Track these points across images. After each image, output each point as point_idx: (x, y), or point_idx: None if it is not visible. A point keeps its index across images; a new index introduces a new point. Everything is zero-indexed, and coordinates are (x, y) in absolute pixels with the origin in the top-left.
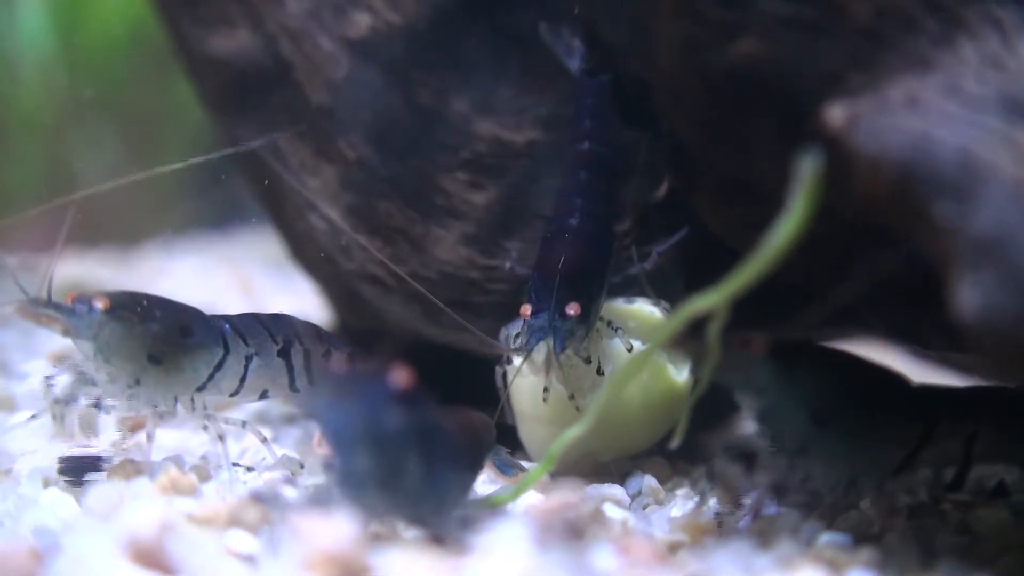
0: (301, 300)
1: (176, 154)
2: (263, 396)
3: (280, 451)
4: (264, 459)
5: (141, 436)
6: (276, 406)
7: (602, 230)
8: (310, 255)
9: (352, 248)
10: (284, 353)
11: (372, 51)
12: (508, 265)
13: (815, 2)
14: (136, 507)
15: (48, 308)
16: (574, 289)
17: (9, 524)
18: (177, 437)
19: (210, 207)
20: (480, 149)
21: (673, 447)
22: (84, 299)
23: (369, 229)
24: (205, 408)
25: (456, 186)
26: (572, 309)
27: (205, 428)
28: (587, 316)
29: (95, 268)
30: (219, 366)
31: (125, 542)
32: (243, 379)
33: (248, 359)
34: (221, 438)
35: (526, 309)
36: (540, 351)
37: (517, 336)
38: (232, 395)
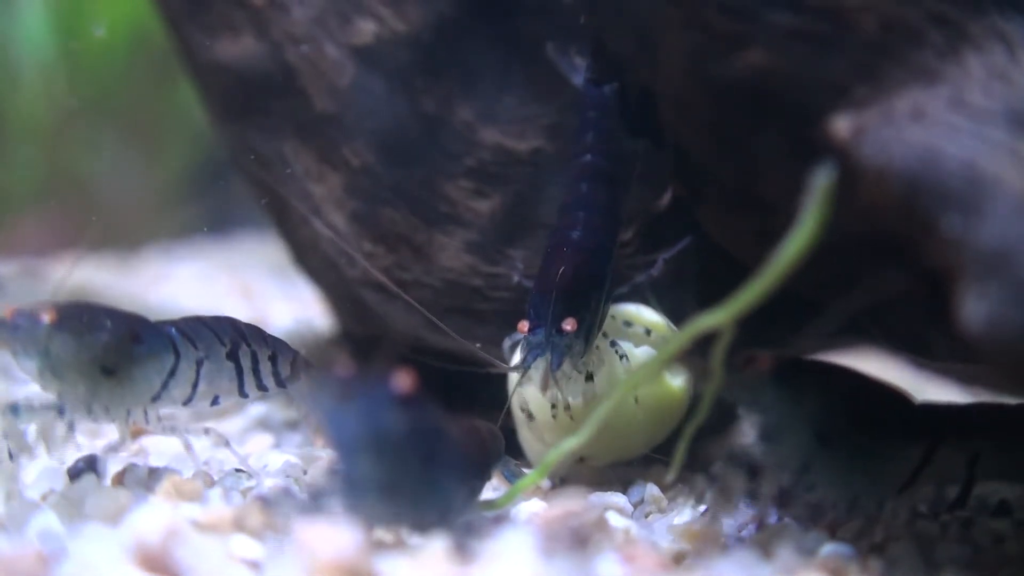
0: (302, 306)
1: (177, 158)
2: (214, 403)
3: (283, 456)
4: (266, 465)
5: (143, 441)
6: (278, 411)
7: (603, 242)
8: (313, 261)
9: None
10: (232, 356)
11: (377, 59)
12: (516, 279)
13: (822, 14)
14: (142, 513)
15: None
16: (571, 304)
17: (15, 529)
18: (178, 443)
19: (212, 212)
20: (484, 157)
21: (668, 481)
22: (26, 313)
23: (373, 236)
24: (160, 420)
25: (460, 194)
26: (568, 325)
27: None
28: (585, 331)
29: (96, 273)
30: (172, 373)
31: (132, 548)
32: (195, 385)
33: (199, 363)
34: (228, 443)
35: (523, 325)
36: (538, 367)
37: (517, 349)
38: (185, 403)
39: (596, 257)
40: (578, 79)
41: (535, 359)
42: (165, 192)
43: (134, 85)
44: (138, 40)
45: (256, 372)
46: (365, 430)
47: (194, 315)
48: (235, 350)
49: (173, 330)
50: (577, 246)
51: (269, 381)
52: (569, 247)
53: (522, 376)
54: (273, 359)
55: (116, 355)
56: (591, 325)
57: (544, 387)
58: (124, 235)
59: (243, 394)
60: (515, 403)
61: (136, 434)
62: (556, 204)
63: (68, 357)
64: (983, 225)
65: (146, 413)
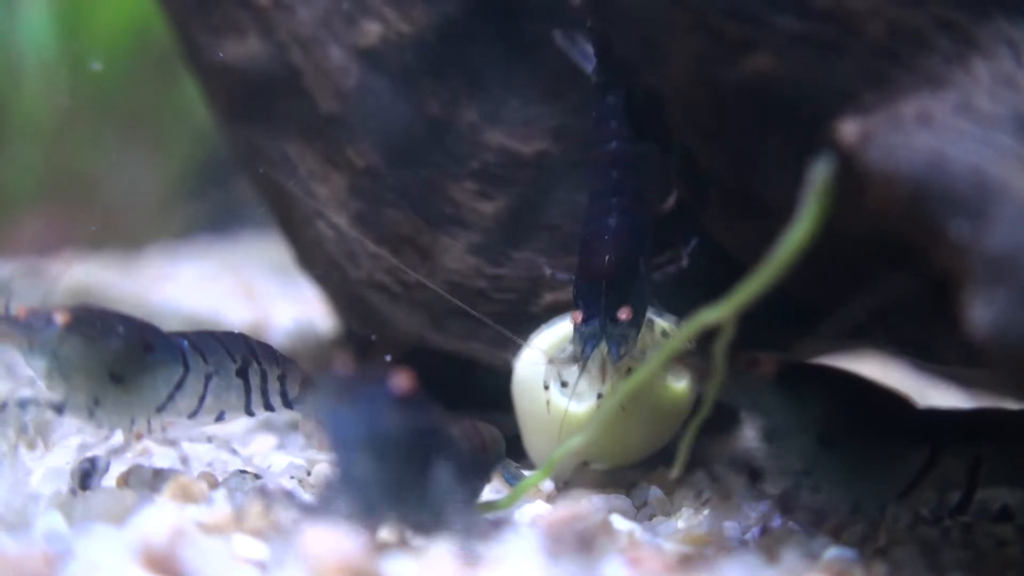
0: (305, 306)
1: (179, 157)
2: (219, 419)
3: (286, 458)
4: (270, 466)
5: (147, 442)
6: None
7: (640, 228)
8: (317, 262)
9: (359, 256)
10: (242, 373)
11: (382, 60)
12: (549, 272)
13: (828, 19)
14: (148, 513)
15: (1, 322)
16: (622, 292)
17: (22, 529)
18: (182, 444)
19: (214, 211)
20: (488, 159)
21: (673, 477)
22: (40, 313)
23: (377, 237)
24: (163, 429)
25: (464, 195)
26: (624, 313)
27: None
28: (638, 318)
29: (99, 272)
30: (179, 385)
31: (137, 548)
32: (202, 399)
33: (208, 378)
34: (235, 451)
35: (577, 316)
36: (595, 358)
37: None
38: (190, 416)
39: (636, 243)
40: (591, 66)
41: (593, 349)
42: (167, 191)
43: (137, 84)
44: (141, 39)
45: (264, 391)
46: (364, 430)
47: (207, 329)
48: (245, 368)
49: (185, 342)
50: (616, 233)
51: (276, 401)
52: (609, 234)
53: (582, 368)
54: (282, 379)
55: (126, 363)
56: (640, 311)
57: (603, 377)
58: (126, 234)
59: (249, 412)
60: (531, 402)
61: (141, 436)
62: (585, 192)
63: (77, 361)
64: (990, 230)
65: (149, 422)
